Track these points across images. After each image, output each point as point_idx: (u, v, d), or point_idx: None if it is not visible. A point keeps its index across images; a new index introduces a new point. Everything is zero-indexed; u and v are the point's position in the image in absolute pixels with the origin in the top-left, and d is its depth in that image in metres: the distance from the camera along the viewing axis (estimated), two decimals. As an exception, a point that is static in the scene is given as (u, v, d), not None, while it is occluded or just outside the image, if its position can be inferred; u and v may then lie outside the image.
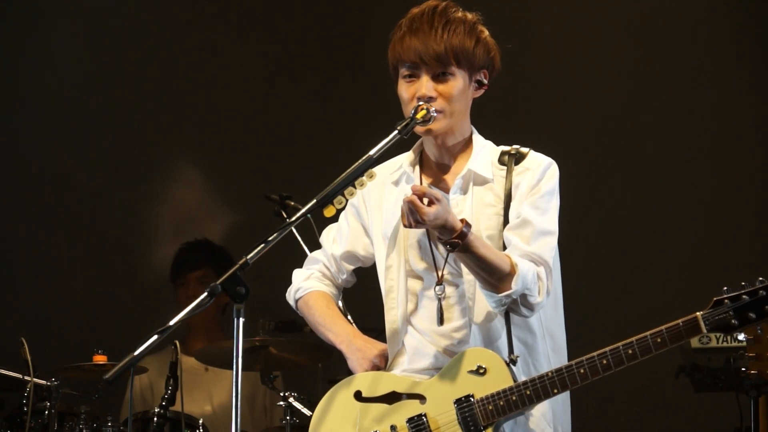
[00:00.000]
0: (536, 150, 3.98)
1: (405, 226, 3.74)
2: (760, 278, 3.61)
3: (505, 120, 6.58)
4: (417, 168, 4.03)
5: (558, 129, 7.30)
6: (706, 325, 3.62)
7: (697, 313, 3.63)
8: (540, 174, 3.90)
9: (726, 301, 3.61)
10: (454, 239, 3.70)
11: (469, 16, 3.93)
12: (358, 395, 3.93)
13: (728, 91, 7.33)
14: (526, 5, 7.56)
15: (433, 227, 3.73)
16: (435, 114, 3.86)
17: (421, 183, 3.99)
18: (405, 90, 3.91)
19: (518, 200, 3.88)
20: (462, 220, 3.73)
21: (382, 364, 4.00)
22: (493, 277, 3.74)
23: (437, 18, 3.88)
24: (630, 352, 3.65)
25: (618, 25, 7.49)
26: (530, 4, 7.59)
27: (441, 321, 3.91)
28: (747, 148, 7.31)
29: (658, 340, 3.64)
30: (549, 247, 3.83)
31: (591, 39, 7.49)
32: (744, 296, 3.60)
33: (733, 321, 3.60)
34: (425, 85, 3.87)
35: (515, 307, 3.79)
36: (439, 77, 3.88)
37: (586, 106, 7.43)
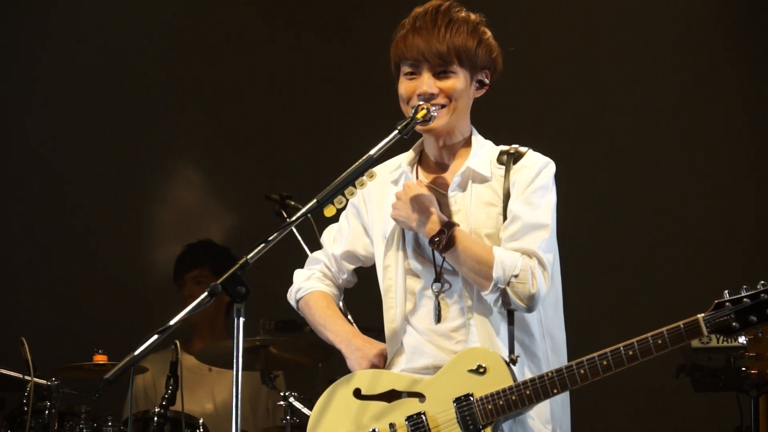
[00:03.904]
0: (539, 151, 3.98)
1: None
2: (762, 281, 3.61)
3: (508, 121, 6.59)
4: (416, 167, 4.03)
5: (558, 131, 7.30)
6: (707, 327, 3.62)
7: (699, 315, 3.63)
8: (536, 172, 3.90)
9: (727, 303, 3.61)
10: (436, 235, 3.78)
11: (472, 16, 3.94)
12: (357, 393, 3.92)
13: (730, 92, 7.34)
14: (526, 6, 7.56)
15: (415, 219, 3.80)
16: (435, 114, 3.87)
17: (417, 180, 4.00)
18: (405, 86, 3.92)
19: (513, 198, 3.89)
20: (448, 222, 3.78)
21: (381, 363, 4.00)
22: (481, 269, 3.76)
23: (440, 17, 3.89)
24: (630, 353, 3.65)
25: (616, 28, 7.49)
26: (530, 6, 7.60)
27: (438, 319, 3.91)
28: (749, 150, 7.31)
29: (659, 341, 3.63)
30: (540, 240, 3.82)
31: (590, 41, 7.50)
32: (745, 299, 3.60)
33: (734, 324, 3.60)
34: (426, 82, 3.88)
35: (509, 299, 3.79)
36: (441, 75, 3.89)
37: (586, 108, 7.43)
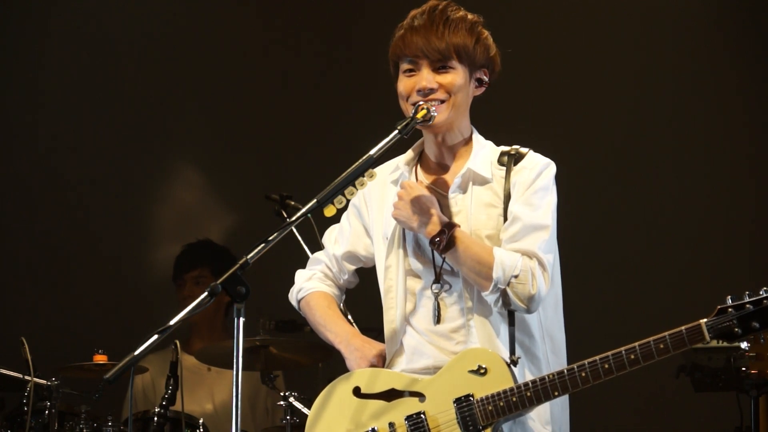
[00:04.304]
0: (539, 151, 3.98)
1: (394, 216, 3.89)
2: (765, 288, 3.60)
3: (508, 121, 6.59)
4: (416, 167, 4.03)
5: (558, 132, 7.30)
6: (710, 332, 3.62)
7: (701, 321, 3.63)
8: (536, 173, 3.90)
9: (730, 309, 3.60)
10: (436, 235, 3.79)
11: (470, 16, 3.95)
12: (356, 391, 3.92)
13: (730, 92, 7.34)
14: (526, 7, 7.57)
15: (416, 219, 3.81)
16: (435, 114, 3.87)
17: (416, 181, 4.00)
18: (404, 84, 3.92)
19: (514, 199, 3.89)
20: (449, 222, 3.78)
21: (380, 364, 4.00)
22: (481, 269, 3.76)
23: (438, 15, 3.91)
24: (632, 356, 3.65)
25: (616, 28, 7.49)
26: (530, 6, 7.60)
27: (438, 320, 3.91)
28: (749, 150, 7.31)
29: (661, 346, 3.63)
30: (540, 241, 3.82)
31: (590, 41, 7.50)
32: (748, 305, 3.60)
33: (736, 329, 3.60)
34: (426, 77, 3.88)
35: (509, 300, 3.78)
36: (440, 70, 3.90)
37: (586, 109, 7.43)
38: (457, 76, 3.90)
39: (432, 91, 3.88)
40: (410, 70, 3.92)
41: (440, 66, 3.89)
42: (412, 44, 3.88)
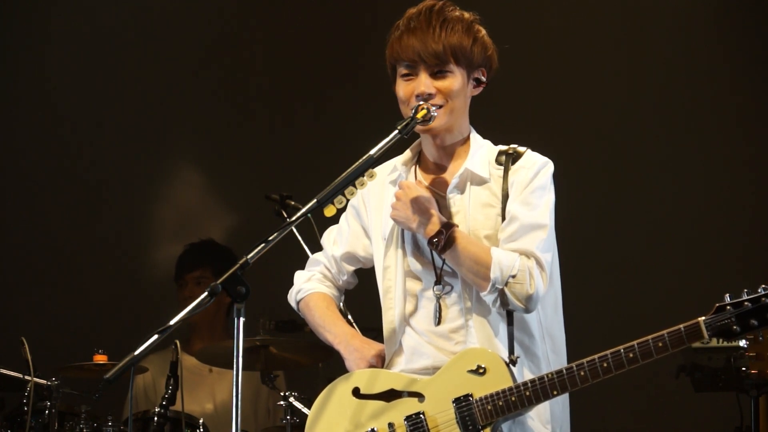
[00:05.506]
0: (537, 150, 3.98)
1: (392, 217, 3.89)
2: (763, 285, 3.61)
3: (507, 121, 6.60)
4: (414, 167, 4.03)
5: (556, 131, 7.30)
6: (708, 330, 3.62)
7: (699, 319, 3.63)
8: (534, 172, 3.90)
9: (728, 307, 3.61)
10: (435, 235, 3.78)
11: (466, 15, 3.94)
12: (356, 392, 3.93)
13: (728, 92, 7.34)
14: (525, 6, 7.57)
15: (415, 219, 3.81)
16: (435, 114, 3.87)
17: (414, 181, 4.00)
18: (403, 88, 3.92)
19: (512, 198, 3.89)
20: (447, 223, 3.79)
21: (380, 364, 4.00)
22: (479, 269, 3.76)
23: (435, 17, 3.90)
24: (631, 355, 3.65)
25: (615, 26, 7.49)
26: (528, 5, 7.60)
27: (438, 320, 3.91)
28: (747, 150, 7.31)
29: (660, 344, 3.63)
30: (538, 240, 3.82)
31: (588, 39, 7.50)
32: (746, 303, 3.60)
33: (734, 327, 3.60)
34: (424, 82, 3.88)
35: (508, 300, 3.78)
36: (438, 74, 3.89)
37: (584, 108, 7.43)
38: (455, 80, 3.90)
39: (431, 96, 3.88)
40: (408, 74, 3.91)
41: (438, 70, 3.89)
42: (408, 48, 3.88)
